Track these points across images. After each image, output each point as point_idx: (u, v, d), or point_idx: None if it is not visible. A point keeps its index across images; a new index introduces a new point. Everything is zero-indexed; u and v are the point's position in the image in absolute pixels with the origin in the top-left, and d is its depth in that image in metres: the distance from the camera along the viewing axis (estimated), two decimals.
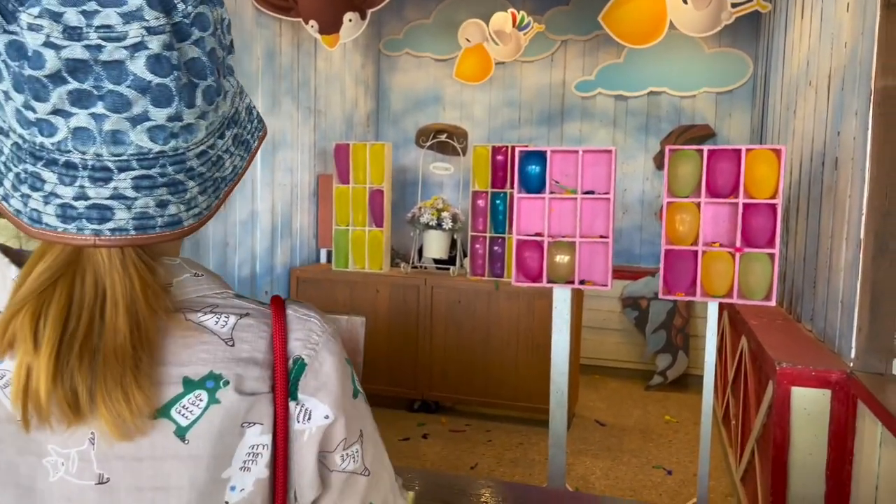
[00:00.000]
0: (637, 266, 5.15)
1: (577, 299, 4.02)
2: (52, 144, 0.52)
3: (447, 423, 3.97)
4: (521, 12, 4.75)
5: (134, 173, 0.53)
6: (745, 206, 2.44)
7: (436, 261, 4.43)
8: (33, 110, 0.50)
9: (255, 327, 0.60)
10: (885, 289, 2.00)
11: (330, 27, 4.20)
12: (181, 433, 0.55)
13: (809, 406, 2.14)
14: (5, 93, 0.51)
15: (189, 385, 0.55)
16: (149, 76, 0.50)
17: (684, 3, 3.52)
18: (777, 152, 2.42)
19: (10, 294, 0.55)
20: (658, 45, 3.82)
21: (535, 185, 2.68)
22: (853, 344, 2.08)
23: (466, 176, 4.63)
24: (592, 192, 2.63)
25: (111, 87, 0.50)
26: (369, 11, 4.27)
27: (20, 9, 0.48)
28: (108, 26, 0.49)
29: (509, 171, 4.00)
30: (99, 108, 0.50)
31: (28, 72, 0.49)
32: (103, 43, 0.49)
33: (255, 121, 0.66)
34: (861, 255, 2.04)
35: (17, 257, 0.59)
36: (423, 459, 3.44)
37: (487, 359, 3.97)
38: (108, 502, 0.55)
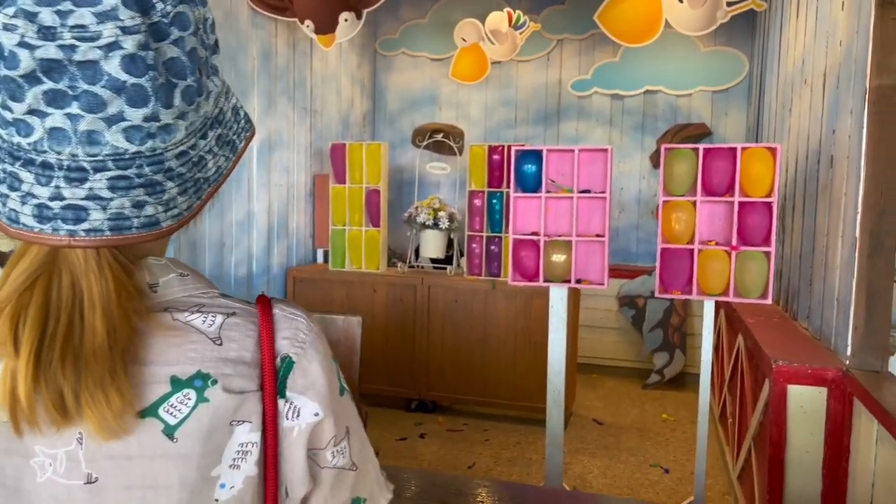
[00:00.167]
0: (634, 265, 5.15)
1: (574, 298, 4.02)
2: (29, 144, 0.52)
3: (444, 423, 3.97)
4: (517, 12, 4.75)
5: (109, 174, 0.53)
6: (741, 204, 2.45)
7: (433, 260, 4.43)
8: (10, 110, 0.50)
9: (243, 326, 0.60)
10: (881, 286, 2.00)
11: (326, 27, 4.20)
12: (169, 432, 0.55)
13: (806, 404, 2.14)
14: None
15: (177, 384, 0.56)
16: (123, 76, 0.50)
17: (680, 2, 3.53)
18: (773, 151, 2.42)
19: None
20: (654, 44, 3.82)
21: (531, 185, 2.69)
22: (849, 342, 2.08)
23: (463, 175, 4.63)
24: (589, 191, 2.63)
25: (86, 87, 0.50)
26: (365, 11, 4.27)
27: None
28: (83, 26, 0.48)
29: (506, 171, 4.00)
30: (74, 109, 0.50)
31: (3, 72, 0.49)
32: (77, 43, 0.49)
33: (242, 121, 0.66)
34: (856, 253, 2.04)
35: (2, 259, 0.60)
36: (421, 459, 3.43)
37: (484, 358, 3.97)
38: (96, 502, 0.55)
